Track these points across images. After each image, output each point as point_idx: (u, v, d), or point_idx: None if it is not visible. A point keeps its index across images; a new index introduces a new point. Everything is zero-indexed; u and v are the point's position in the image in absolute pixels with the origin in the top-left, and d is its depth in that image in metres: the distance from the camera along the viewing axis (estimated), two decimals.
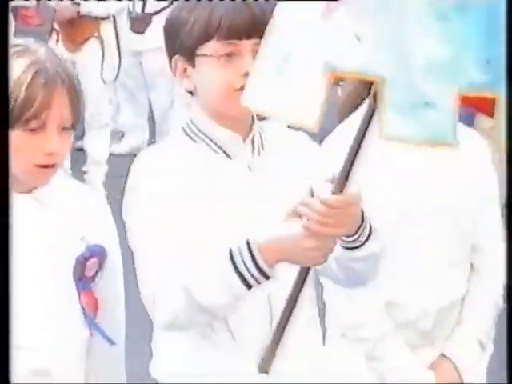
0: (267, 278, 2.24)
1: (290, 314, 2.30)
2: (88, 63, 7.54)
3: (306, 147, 2.56)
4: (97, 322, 2.39)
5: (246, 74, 2.30)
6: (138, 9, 8.00)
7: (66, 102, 2.21)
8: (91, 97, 7.38)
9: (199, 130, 2.44)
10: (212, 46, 2.36)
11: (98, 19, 7.40)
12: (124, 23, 7.91)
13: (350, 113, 2.88)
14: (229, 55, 2.37)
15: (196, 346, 2.43)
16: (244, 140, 2.42)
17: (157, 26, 7.48)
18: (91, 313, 2.37)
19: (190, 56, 2.40)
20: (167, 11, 7.38)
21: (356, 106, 2.85)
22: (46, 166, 2.22)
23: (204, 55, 2.37)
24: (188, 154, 2.41)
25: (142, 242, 2.39)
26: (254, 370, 2.35)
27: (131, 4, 7.95)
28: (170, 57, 2.41)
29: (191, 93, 2.43)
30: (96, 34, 7.40)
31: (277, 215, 2.32)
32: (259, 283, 2.24)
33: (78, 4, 7.28)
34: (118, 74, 7.50)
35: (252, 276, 2.25)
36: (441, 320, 2.96)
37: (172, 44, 2.44)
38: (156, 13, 7.99)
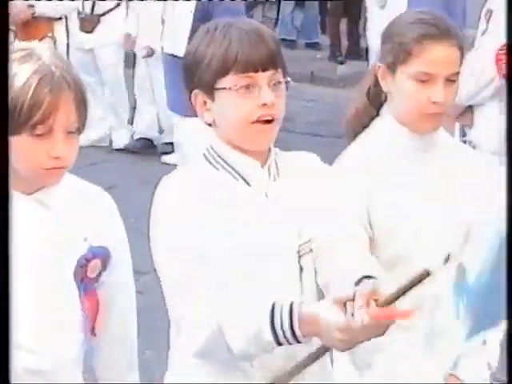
0: (298, 342, 2.31)
1: (306, 366, 2.40)
2: None
3: (319, 172, 2.62)
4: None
5: (264, 105, 2.40)
6: (88, 10, 7.97)
7: (72, 107, 2.25)
8: None
9: (219, 156, 2.49)
10: (230, 80, 2.43)
11: (51, 20, 7.55)
12: (72, 23, 7.91)
13: (359, 131, 2.94)
14: (247, 87, 2.43)
15: (213, 370, 2.51)
16: (262, 167, 2.48)
17: (104, 25, 8.03)
18: (92, 314, 2.41)
19: (210, 90, 2.45)
20: (114, 12, 8.05)
21: (365, 125, 2.92)
22: (53, 169, 2.27)
23: (223, 89, 2.43)
24: (209, 180, 2.47)
25: (174, 267, 2.42)
26: None
27: (81, 6, 7.91)
28: (190, 91, 2.47)
29: (210, 124, 2.49)
30: (50, 34, 7.56)
31: (294, 240, 2.49)
32: (290, 344, 2.31)
33: (33, 6, 7.41)
34: None
35: (285, 338, 2.30)
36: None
37: (191, 79, 2.50)
38: (104, 14, 8.10)
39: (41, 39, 7.41)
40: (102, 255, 2.37)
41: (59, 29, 7.64)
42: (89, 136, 8.12)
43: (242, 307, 2.36)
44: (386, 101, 2.87)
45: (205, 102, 2.43)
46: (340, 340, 2.22)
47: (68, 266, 2.34)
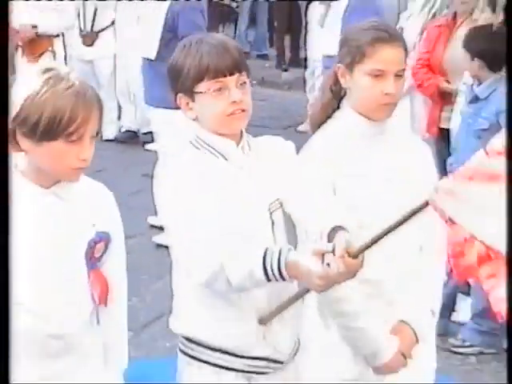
0: (284, 280, 2.32)
1: (288, 305, 2.49)
2: None
3: (283, 153, 2.62)
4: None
5: (234, 102, 2.42)
6: (88, 28, 8.01)
7: (97, 117, 2.23)
8: None
9: (204, 141, 2.50)
10: (205, 85, 2.43)
11: (51, 37, 7.38)
12: (74, 39, 7.90)
13: (323, 121, 2.86)
14: (219, 90, 2.43)
15: (212, 304, 2.50)
16: (237, 146, 2.51)
17: (101, 40, 8.05)
18: (98, 288, 2.36)
19: (190, 93, 2.46)
20: (108, 30, 8.10)
21: (329, 116, 2.85)
22: (79, 169, 2.24)
23: (200, 92, 2.43)
24: (198, 160, 2.49)
25: (184, 223, 2.42)
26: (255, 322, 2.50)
27: (82, 24, 7.96)
28: (175, 94, 2.48)
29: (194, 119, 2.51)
30: (50, 49, 7.39)
31: (265, 201, 2.53)
32: (277, 281, 2.32)
33: (36, 26, 7.23)
34: None
35: (274, 276, 2.31)
36: (401, 288, 2.82)
37: (175, 85, 2.50)
38: (101, 30, 8.06)
39: (43, 53, 7.38)
40: (105, 239, 2.34)
41: (57, 44, 7.49)
42: None
43: (238, 250, 2.37)
44: (345, 95, 2.78)
45: (187, 103, 2.46)
46: (318, 285, 2.27)
47: (80, 248, 2.30)
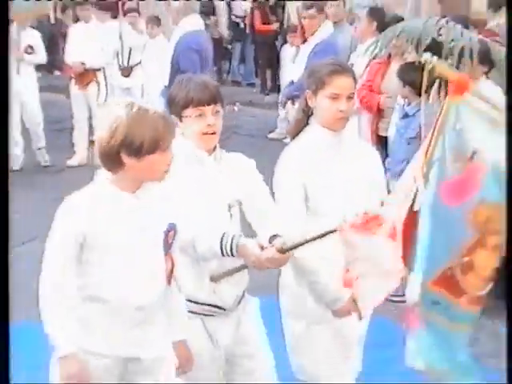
0: (233, 256, 2.35)
1: (232, 274, 2.48)
2: (92, 96, 7.46)
3: (245, 166, 2.61)
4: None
5: (209, 125, 2.46)
6: (125, 63, 7.86)
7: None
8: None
9: (188, 152, 2.49)
10: (189, 111, 2.47)
11: (95, 70, 7.46)
12: (114, 71, 7.76)
13: (297, 133, 2.81)
14: (199, 115, 2.47)
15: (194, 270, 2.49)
16: (209, 155, 2.51)
17: (135, 73, 7.89)
18: (169, 268, 2.31)
19: (179, 117, 2.49)
20: (139, 65, 7.93)
21: (301, 130, 2.79)
22: (163, 176, 2.21)
23: (186, 116, 2.47)
24: (182, 162, 2.42)
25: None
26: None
27: (121, 60, 7.80)
28: (172, 115, 2.47)
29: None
30: (95, 79, 7.47)
31: (226, 198, 2.52)
32: (228, 256, 2.35)
33: (84, 63, 7.33)
34: (105, 100, 7.34)
35: (226, 253, 2.35)
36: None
37: (170, 109, 2.52)
38: (135, 65, 7.90)
39: (89, 82, 7.47)
40: (174, 229, 2.29)
41: (100, 76, 7.51)
42: None
43: (204, 230, 2.39)
44: (312, 114, 2.77)
45: (177, 123, 2.48)
46: (254, 263, 2.34)
47: (158, 236, 2.26)
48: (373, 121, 5.21)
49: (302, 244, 2.35)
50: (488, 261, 1.99)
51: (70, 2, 9.28)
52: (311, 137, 2.73)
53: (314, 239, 2.34)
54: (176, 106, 2.50)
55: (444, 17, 3.81)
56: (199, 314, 2.50)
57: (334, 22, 5.95)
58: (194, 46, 5.40)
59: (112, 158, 2.13)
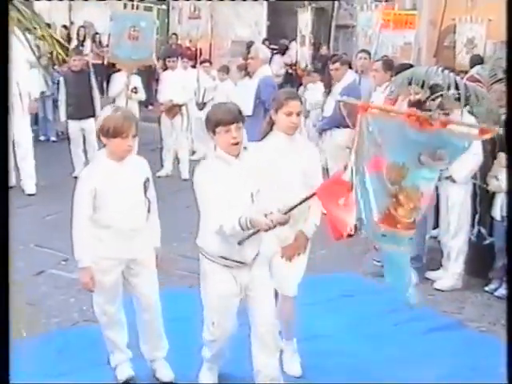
0: (249, 229, 2.58)
1: (250, 236, 2.67)
2: (177, 124, 7.50)
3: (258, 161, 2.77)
4: None
5: (234, 138, 2.61)
6: (201, 99, 8.16)
7: (135, 125, 2.70)
8: None
9: (219, 156, 2.67)
10: (220, 128, 2.64)
11: (180, 105, 7.56)
12: (193, 106, 7.96)
13: (262, 138, 2.99)
14: (227, 131, 2.63)
15: (217, 237, 2.69)
16: (235, 158, 2.67)
17: (208, 107, 7.64)
18: (148, 204, 2.87)
19: (213, 132, 2.67)
20: (212, 101, 7.80)
21: (264, 136, 2.98)
22: (128, 151, 2.74)
23: (217, 132, 2.65)
24: (215, 163, 2.68)
25: (206, 201, 2.64)
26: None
27: (198, 97, 8.08)
28: (208, 130, 2.70)
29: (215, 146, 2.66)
30: (180, 112, 7.59)
31: (249, 189, 2.68)
32: (247, 230, 2.59)
33: (172, 100, 7.43)
34: (188, 127, 7.66)
35: (245, 227, 2.59)
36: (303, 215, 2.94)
37: (208, 127, 2.71)
38: (208, 101, 8.04)
39: (176, 114, 7.63)
40: (148, 180, 2.86)
41: (184, 110, 7.69)
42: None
43: (229, 219, 2.59)
44: (274, 124, 2.97)
45: (212, 137, 2.69)
46: (265, 226, 2.58)
47: (139, 185, 2.86)
48: None
49: (294, 207, 2.62)
50: (408, 199, 2.40)
51: (161, 55, 9.64)
52: (272, 139, 2.98)
53: (301, 203, 2.63)
54: (211, 124, 2.67)
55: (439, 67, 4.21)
56: (229, 266, 2.73)
57: (361, 71, 6.24)
58: (270, 84, 5.69)
59: (98, 138, 2.75)
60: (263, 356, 2.77)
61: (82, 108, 7.01)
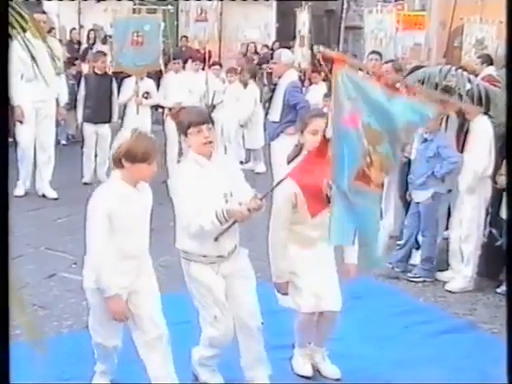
0: (227, 221, 2.63)
1: (226, 231, 2.73)
2: None
3: (232, 165, 2.91)
4: None
5: (206, 137, 2.69)
6: (209, 102, 7.91)
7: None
8: None
9: (192, 158, 2.74)
10: (192, 129, 2.71)
11: None
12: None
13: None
14: (199, 131, 2.70)
15: (193, 237, 2.75)
16: (208, 159, 2.75)
17: (216, 110, 7.96)
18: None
19: (185, 134, 2.74)
20: (222, 103, 8.04)
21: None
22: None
23: (190, 133, 2.72)
24: (188, 166, 2.76)
25: (182, 203, 2.68)
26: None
27: (207, 100, 7.82)
28: (181, 132, 2.82)
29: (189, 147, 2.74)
30: None
31: (222, 189, 2.75)
32: (224, 223, 2.65)
33: (181, 102, 6.94)
34: None
35: (222, 219, 2.65)
36: None
37: (179, 128, 2.83)
38: (217, 104, 8.10)
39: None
40: (152, 209, 2.82)
41: None
42: None
43: (207, 214, 2.65)
44: (302, 147, 3.03)
45: (184, 139, 2.78)
46: (240, 216, 2.63)
47: (147, 212, 2.77)
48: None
49: (267, 193, 2.71)
50: (380, 161, 2.49)
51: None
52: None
53: (273, 188, 2.76)
54: (183, 127, 2.75)
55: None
56: (210, 262, 2.80)
57: (372, 73, 6.04)
58: (296, 87, 5.83)
59: (117, 162, 2.60)
60: (246, 342, 2.87)
61: (100, 112, 6.85)
